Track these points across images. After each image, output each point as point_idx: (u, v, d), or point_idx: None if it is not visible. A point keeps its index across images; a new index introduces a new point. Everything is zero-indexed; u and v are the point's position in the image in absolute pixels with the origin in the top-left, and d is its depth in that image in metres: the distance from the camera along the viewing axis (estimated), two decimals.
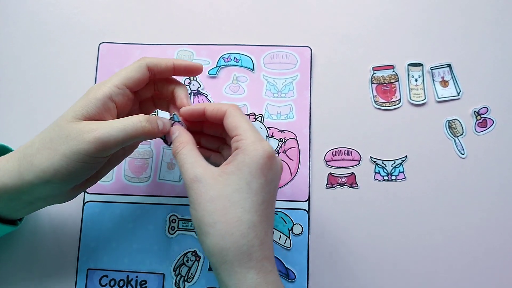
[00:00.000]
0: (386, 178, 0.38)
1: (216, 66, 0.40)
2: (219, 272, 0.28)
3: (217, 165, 0.30)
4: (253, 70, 0.40)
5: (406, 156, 0.38)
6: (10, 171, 0.29)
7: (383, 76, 0.39)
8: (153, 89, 0.34)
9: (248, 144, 0.29)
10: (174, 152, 0.31)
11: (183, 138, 0.31)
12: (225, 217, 0.28)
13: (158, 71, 0.32)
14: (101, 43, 0.41)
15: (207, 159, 0.33)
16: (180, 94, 0.33)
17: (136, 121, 0.29)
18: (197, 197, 0.28)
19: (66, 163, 0.28)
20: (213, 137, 0.35)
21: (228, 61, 0.40)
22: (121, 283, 0.37)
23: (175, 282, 0.37)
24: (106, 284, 0.37)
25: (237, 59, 0.40)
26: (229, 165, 0.29)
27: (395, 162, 0.38)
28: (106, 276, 0.37)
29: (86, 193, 0.38)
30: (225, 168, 0.29)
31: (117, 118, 0.31)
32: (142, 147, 0.39)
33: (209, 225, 0.28)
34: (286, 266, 0.36)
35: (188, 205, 0.35)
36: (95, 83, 0.40)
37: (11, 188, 0.29)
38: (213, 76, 0.40)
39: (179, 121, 0.32)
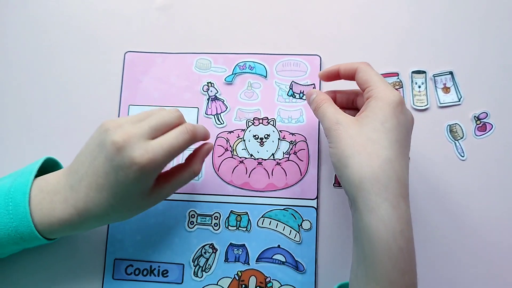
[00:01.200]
0: None
1: (232, 74, 0.44)
2: (356, 200, 0.30)
3: None
4: (266, 77, 0.43)
5: (409, 158, 0.40)
6: (90, 228, 0.35)
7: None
8: None
9: (379, 91, 0.32)
10: (315, 108, 0.36)
11: (322, 96, 0.36)
12: (364, 150, 0.30)
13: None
14: (126, 52, 0.44)
15: None
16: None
17: (191, 177, 0.36)
18: (338, 136, 0.32)
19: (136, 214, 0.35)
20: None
21: (243, 69, 0.44)
22: (145, 272, 0.40)
23: (194, 272, 0.40)
24: (131, 273, 0.40)
25: (251, 67, 0.44)
26: (364, 112, 0.32)
27: None
28: (131, 265, 0.40)
29: None
30: (360, 115, 0.32)
31: None
32: None
33: (349, 156, 0.30)
34: (296, 259, 0.40)
35: (207, 201, 0.39)
36: (121, 90, 0.44)
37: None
38: (229, 83, 0.43)
39: None
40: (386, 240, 0.28)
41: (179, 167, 0.37)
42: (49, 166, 0.38)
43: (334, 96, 0.39)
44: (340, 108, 0.35)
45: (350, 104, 0.39)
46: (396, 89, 0.42)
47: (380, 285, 0.29)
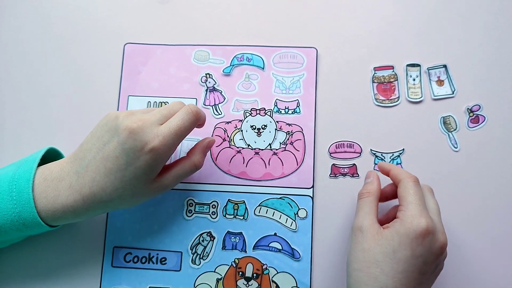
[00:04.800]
0: None
1: (230, 65, 0.44)
2: None
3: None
4: (263, 69, 0.44)
5: (403, 149, 0.41)
6: (93, 213, 0.35)
7: (383, 76, 0.43)
8: None
9: (407, 216, 0.33)
10: (359, 195, 0.37)
11: (370, 187, 0.37)
12: (366, 269, 0.32)
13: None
14: (126, 44, 0.45)
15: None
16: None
17: (192, 167, 0.37)
18: (354, 244, 0.34)
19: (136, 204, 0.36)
20: None
21: (241, 61, 0.44)
22: (144, 260, 0.41)
23: (192, 259, 0.41)
24: (130, 261, 0.41)
25: (249, 59, 0.44)
26: (386, 229, 0.33)
27: (393, 154, 0.41)
28: (130, 253, 0.41)
29: None
30: (383, 230, 0.33)
31: None
32: None
33: (354, 269, 0.33)
34: (292, 246, 0.40)
35: (205, 190, 0.41)
36: (120, 81, 0.44)
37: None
38: (227, 74, 0.44)
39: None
40: None
41: (180, 160, 0.37)
42: (50, 157, 0.39)
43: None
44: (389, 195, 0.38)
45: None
46: (390, 82, 0.43)
47: None
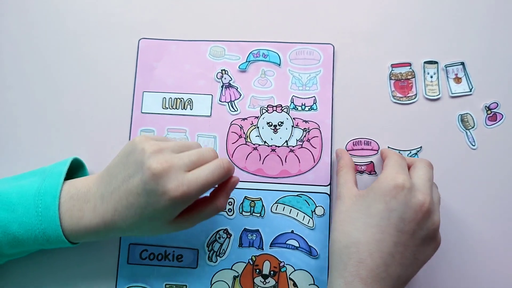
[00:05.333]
0: None
1: (246, 61, 0.44)
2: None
3: None
4: (280, 65, 0.44)
5: (421, 147, 0.41)
6: (112, 236, 0.35)
7: (400, 73, 0.43)
8: None
9: (382, 176, 0.34)
10: (337, 171, 0.39)
11: (342, 162, 0.39)
12: (341, 228, 0.34)
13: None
14: (140, 39, 0.45)
15: None
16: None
17: (214, 212, 0.36)
18: (335, 210, 0.36)
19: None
20: None
21: (257, 57, 0.44)
22: (160, 257, 0.41)
23: (208, 256, 0.40)
24: (146, 258, 0.41)
25: (265, 55, 0.44)
26: (363, 190, 0.35)
27: (410, 152, 0.41)
28: (146, 250, 0.41)
29: None
30: (360, 192, 0.35)
31: None
32: (179, 135, 0.43)
33: (332, 230, 0.35)
34: (309, 244, 0.40)
35: None
36: (135, 77, 0.44)
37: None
38: (243, 71, 0.44)
39: None
40: None
41: (203, 201, 0.36)
42: (73, 167, 0.39)
43: None
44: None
45: None
46: (408, 79, 0.43)
47: None
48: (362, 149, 0.42)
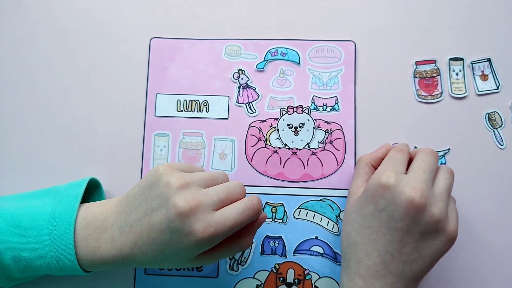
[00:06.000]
0: None
1: (264, 60, 0.42)
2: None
3: None
4: (299, 64, 0.42)
5: (449, 149, 0.40)
6: (129, 267, 0.33)
7: (425, 70, 0.41)
8: None
9: (374, 174, 0.34)
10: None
11: (362, 156, 0.39)
12: (344, 228, 0.35)
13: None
14: (152, 38, 0.42)
15: None
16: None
17: (238, 250, 0.34)
18: (345, 205, 0.37)
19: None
20: None
21: (275, 55, 0.42)
22: None
23: (229, 265, 0.39)
24: (164, 268, 0.39)
25: (283, 54, 0.42)
26: (362, 189, 0.35)
27: (437, 153, 0.40)
28: None
29: None
30: (361, 192, 0.35)
31: None
32: (195, 138, 0.41)
33: (342, 228, 0.36)
34: (334, 250, 0.39)
35: None
36: (147, 76, 0.42)
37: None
38: (261, 70, 0.42)
39: None
40: None
41: (228, 241, 0.33)
42: (88, 185, 0.37)
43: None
44: None
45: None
46: (433, 76, 0.41)
47: None
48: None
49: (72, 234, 0.31)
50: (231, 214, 0.31)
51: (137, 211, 0.32)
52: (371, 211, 0.32)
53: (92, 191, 0.38)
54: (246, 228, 0.34)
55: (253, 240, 0.39)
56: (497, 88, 0.41)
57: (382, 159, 0.37)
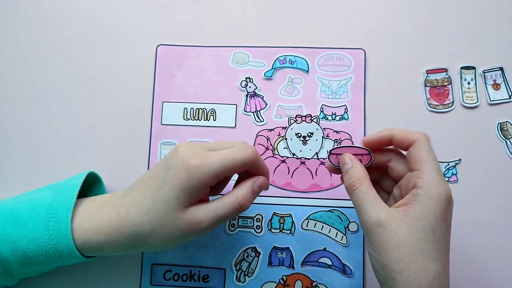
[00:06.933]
0: None
1: (272, 68, 0.41)
2: None
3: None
4: (308, 72, 0.41)
5: (460, 160, 0.39)
6: (125, 244, 0.32)
7: (436, 79, 0.40)
8: None
9: (432, 185, 0.28)
10: (350, 188, 0.31)
11: (358, 173, 0.31)
12: (412, 265, 0.27)
13: (251, 169, 0.32)
14: (158, 46, 0.42)
15: None
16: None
17: (234, 205, 0.31)
18: (382, 243, 0.28)
19: (175, 244, 0.32)
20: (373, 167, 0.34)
21: (283, 63, 0.41)
22: (184, 277, 0.39)
23: (236, 276, 0.38)
24: (170, 279, 0.39)
25: (292, 61, 0.41)
26: (411, 208, 0.28)
27: (448, 164, 0.39)
28: (170, 270, 0.39)
29: None
30: (407, 211, 0.28)
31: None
32: None
33: (396, 271, 0.28)
34: (343, 262, 0.38)
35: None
36: (154, 84, 0.41)
37: (124, 253, 0.33)
38: (269, 78, 0.41)
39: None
40: None
41: (222, 196, 0.32)
42: (89, 181, 0.37)
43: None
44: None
45: (380, 164, 0.34)
46: (444, 85, 0.40)
47: None
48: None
49: (69, 219, 0.31)
50: (225, 151, 0.31)
51: (142, 177, 0.33)
52: (444, 230, 0.28)
53: (93, 186, 0.38)
54: (242, 183, 0.32)
55: (260, 250, 0.38)
56: (510, 98, 0.40)
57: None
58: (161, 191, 0.30)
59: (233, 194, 0.31)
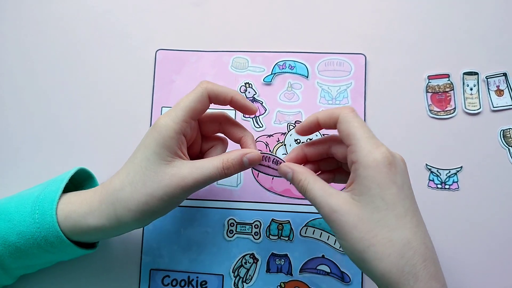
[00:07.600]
0: (439, 186, 0.38)
1: (271, 73, 0.41)
2: None
3: (345, 181, 0.30)
4: (307, 77, 0.41)
5: (461, 167, 0.39)
6: (107, 215, 0.31)
7: (438, 85, 0.40)
8: (217, 129, 0.35)
9: (364, 155, 0.27)
10: (301, 191, 0.30)
11: (300, 176, 0.30)
12: (375, 240, 0.26)
13: (216, 101, 0.32)
14: (158, 50, 0.42)
15: (333, 180, 0.34)
16: (248, 140, 0.33)
17: (218, 166, 0.31)
18: (340, 228, 0.27)
19: (163, 206, 0.30)
20: (331, 158, 0.33)
21: (283, 68, 0.41)
22: (183, 283, 0.39)
23: (234, 283, 0.38)
24: (168, 284, 0.39)
25: (292, 67, 0.41)
26: (355, 184, 0.28)
27: (450, 171, 0.39)
28: (168, 276, 0.39)
29: None
30: (353, 189, 0.28)
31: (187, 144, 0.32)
32: None
33: (362, 251, 0.26)
34: (341, 269, 0.38)
35: (246, 209, 0.38)
36: (153, 89, 0.41)
37: (108, 228, 0.31)
38: (268, 83, 0.41)
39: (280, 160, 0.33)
40: None
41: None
42: (81, 179, 0.37)
43: (303, 155, 0.33)
44: (329, 167, 0.33)
45: (325, 155, 0.33)
46: (446, 91, 0.40)
47: None
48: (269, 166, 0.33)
49: (54, 211, 0.31)
50: (182, 99, 0.32)
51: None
52: (395, 194, 0.27)
53: (86, 185, 0.38)
54: (235, 150, 0.32)
55: (258, 257, 0.38)
56: None
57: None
58: (138, 153, 0.31)
59: (221, 156, 0.32)
